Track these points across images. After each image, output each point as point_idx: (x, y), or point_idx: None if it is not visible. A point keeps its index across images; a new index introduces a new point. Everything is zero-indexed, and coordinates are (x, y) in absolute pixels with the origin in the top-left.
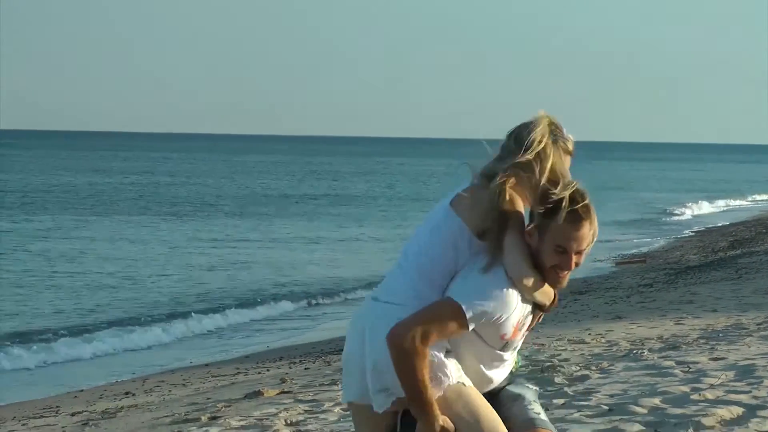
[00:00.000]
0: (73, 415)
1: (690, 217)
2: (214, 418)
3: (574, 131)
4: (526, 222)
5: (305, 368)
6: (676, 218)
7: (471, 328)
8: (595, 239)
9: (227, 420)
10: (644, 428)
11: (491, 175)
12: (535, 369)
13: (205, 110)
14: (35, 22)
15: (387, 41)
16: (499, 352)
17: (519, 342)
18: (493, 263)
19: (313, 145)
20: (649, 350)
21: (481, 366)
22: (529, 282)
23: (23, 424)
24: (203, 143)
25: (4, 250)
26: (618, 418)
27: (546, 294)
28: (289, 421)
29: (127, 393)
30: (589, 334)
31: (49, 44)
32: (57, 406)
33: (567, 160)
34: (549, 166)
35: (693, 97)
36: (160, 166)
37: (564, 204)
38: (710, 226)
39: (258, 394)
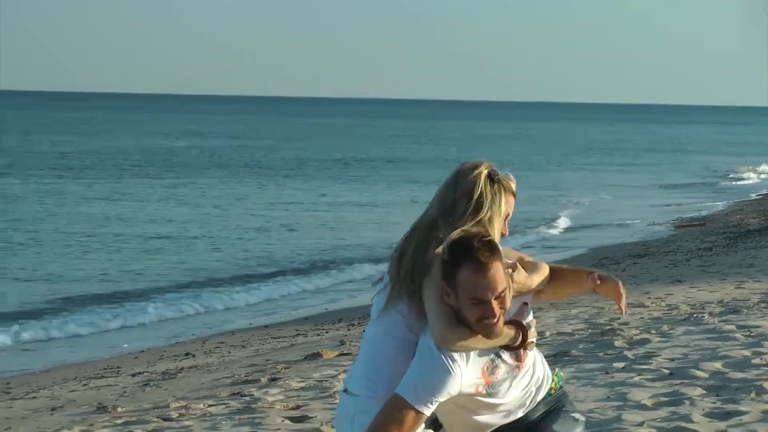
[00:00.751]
0: (133, 375)
1: (749, 180)
2: (274, 379)
3: (619, 94)
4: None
5: (364, 330)
6: (735, 182)
7: (430, 412)
8: (509, 277)
9: (287, 381)
10: (705, 392)
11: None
12: (594, 332)
13: (260, 72)
14: None
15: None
16: (488, 400)
17: (515, 372)
18: (425, 336)
19: (368, 107)
20: (710, 314)
21: (474, 417)
22: (457, 342)
23: (84, 384)
24: (257, 106)
25: (62, 212)
26: (679, 382)
27: (499, 338)
28: None
29: (187, 354)
30: (649, 297)
31: (102, 8)
32: (118, 367)
33: (510, 200)
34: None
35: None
36: (216, 128)
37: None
38: None
39: (317, 355)
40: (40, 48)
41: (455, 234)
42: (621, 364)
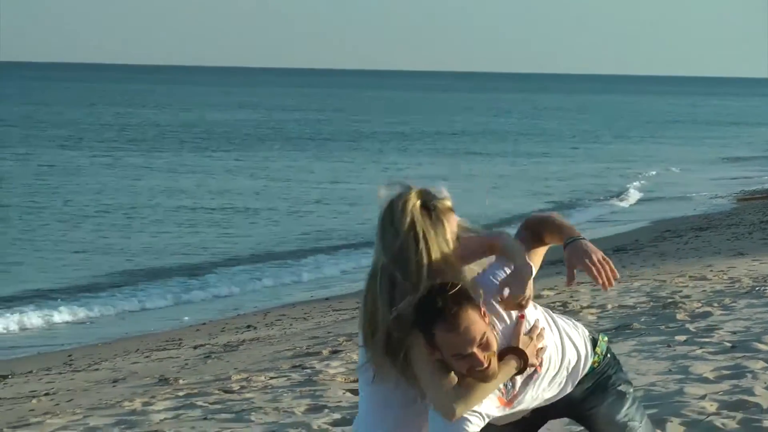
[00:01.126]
0: (195, 347)
1: None
2: (335, 352)
3: (680, 67)
4: None
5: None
6: None
7: None
8: (493, 313)
9: (348, 354)
10: (767, 365)
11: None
12: (656, 305)
13: (321, 45)
14: None
15: None
16: (513, 410)
17: (534, 377)
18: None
19: (432, 80)
20: None
21: (502, 421)
22: (462, 408)
23: (146, 356)
24: (314, 78)
25: (124, 185)
26: (741, 355)
27: (499, 376)
28: None
29: (248, 326)
30: (711, 270)
31: None
32: (179, 339)
33: (452, 219)
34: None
35: None
36: (272, 100)
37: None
38: None
39: None
40: (54, 18)
41: (420, 294)
42: (683, 337)
